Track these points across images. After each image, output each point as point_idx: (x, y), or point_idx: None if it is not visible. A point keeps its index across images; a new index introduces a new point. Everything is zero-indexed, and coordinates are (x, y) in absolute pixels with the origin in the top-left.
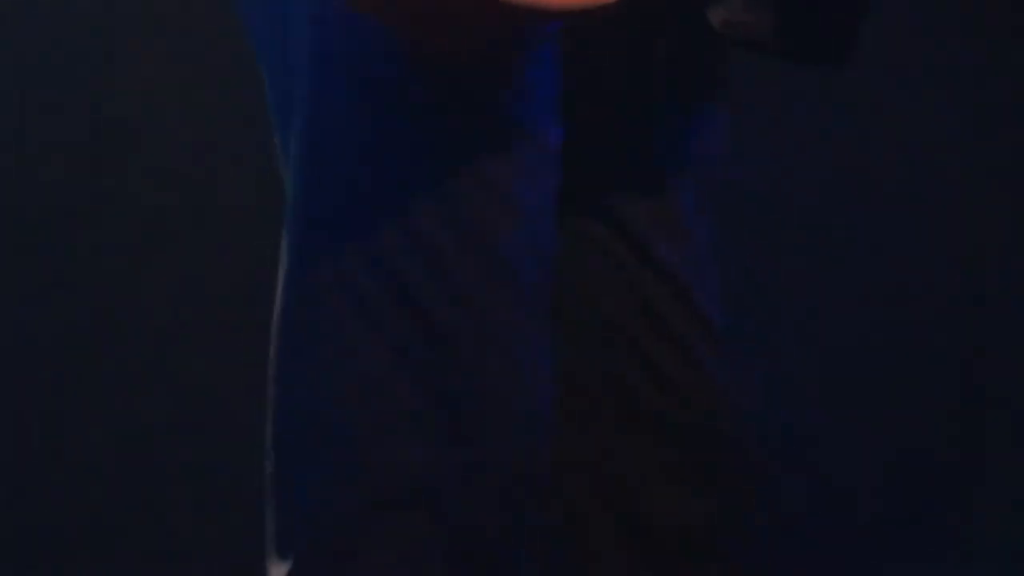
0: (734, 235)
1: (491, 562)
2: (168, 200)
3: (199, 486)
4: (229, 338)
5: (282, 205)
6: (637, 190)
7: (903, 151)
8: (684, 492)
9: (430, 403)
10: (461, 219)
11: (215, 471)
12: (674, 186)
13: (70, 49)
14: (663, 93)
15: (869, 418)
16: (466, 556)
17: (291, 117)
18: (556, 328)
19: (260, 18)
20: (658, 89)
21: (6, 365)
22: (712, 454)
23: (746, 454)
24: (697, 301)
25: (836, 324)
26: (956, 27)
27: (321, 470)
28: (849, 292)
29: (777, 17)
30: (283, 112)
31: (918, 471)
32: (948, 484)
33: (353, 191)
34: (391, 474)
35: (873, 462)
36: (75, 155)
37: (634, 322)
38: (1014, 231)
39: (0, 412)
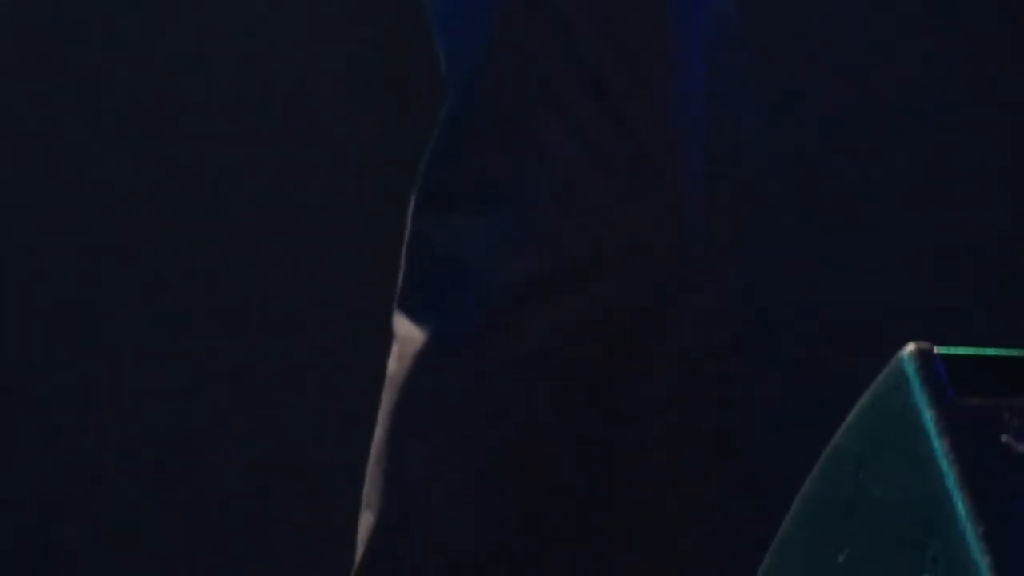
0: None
1: (637, 335)
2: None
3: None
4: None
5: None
6: None
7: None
8: None
9: (598, 172)
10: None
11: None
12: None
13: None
14: None
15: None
16: (618, 328)
17: None
18: None
19: None
20: None
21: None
22: None
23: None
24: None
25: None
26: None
27: (490, 236)
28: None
29: None
30: None
31: None
32: None
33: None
34: (560, 244)
35: None
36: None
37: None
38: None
39: (1, 411)
